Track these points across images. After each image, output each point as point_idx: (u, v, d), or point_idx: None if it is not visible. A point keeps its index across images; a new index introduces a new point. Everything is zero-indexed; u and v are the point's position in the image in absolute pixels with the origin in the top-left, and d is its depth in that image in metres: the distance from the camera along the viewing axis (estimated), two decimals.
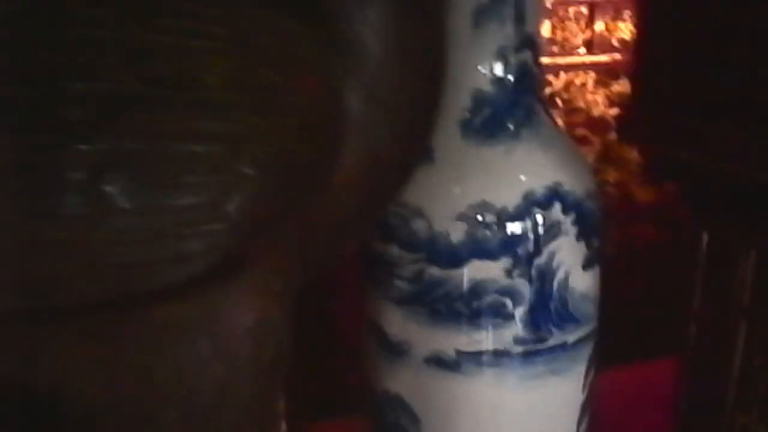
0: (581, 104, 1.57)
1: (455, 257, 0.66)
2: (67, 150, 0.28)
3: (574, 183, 0.67)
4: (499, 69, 0.65)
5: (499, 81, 0.65)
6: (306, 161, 0.32)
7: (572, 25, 1.55)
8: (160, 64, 0.29)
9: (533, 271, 0.67)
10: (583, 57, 1.55)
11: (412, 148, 0.38)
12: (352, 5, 0.33)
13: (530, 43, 0.66)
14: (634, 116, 1.05)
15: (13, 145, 0.28)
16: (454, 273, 0.66)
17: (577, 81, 1.59)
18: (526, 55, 0.66)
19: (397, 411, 0.73)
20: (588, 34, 1.56)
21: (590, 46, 1.56)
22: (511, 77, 0.65)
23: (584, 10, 1.54)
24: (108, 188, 0.28)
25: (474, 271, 0.66)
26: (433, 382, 0.70)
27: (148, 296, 0.29)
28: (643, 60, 0.90)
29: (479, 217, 0.64)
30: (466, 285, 0.67)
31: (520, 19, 0.65)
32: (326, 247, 0.43)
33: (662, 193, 1.18)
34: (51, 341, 0.30)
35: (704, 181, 0.82)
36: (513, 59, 0.65)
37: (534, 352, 0.69)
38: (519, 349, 0.68)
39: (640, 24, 1.21)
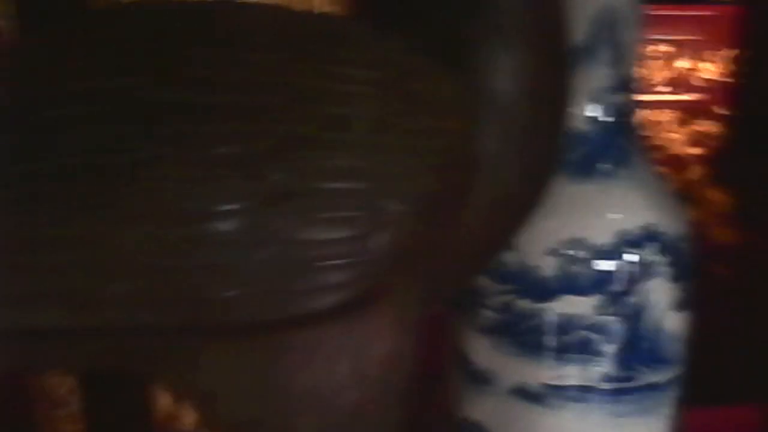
0: (659, 142, 1.57)
1: (545, 291, 0.67)
2: (237, 180, 0.31)
3: (669, 224, 0.68)
4: (594, 110, 0.66)
5: (594, 121, 0.66)
6: (445, 199, 0.35)
7: (654, 63, 1.56)
8: (322, 106, 0.32)
9: (625, 310, 0.67)
10: (663, 95, 1.56)
11: (539, 187, 0.40)
12: (489, 52, 0.35)
13: (626, 85, 0.67)
14: (726, 157, 1.05)
15: (200, 175, 0.31)
16: (543, 306, 0.68)
17: (656, 119, 1.59)
18: (623, 97, 0.67)
19: None
20: (669, 72, 1.57)
21: (671, 84, 1.56)
22: (606, 118, 0.67)
23: (666, 48, 1.54)
24: (268, 219, 0.31)
25: (564, 306, 0.67)
26: (517, 412, 0.71)
27: (295, 320, 0.31)
28: (739, 103, 0.90)
29: (571, 253, 0.66)
30: (555, 319, 0.68)
31: (616, 61, 0.66)
32: (452, 281, 0.45)
33: (744, 235, 1.17)
34: (208, 355, 0.33)
35: None
36: (609, 100, 0.67)
37: (621, 390, 0.69)
38: (606, 386, 0.69)
39: (737, 68, 1.21)
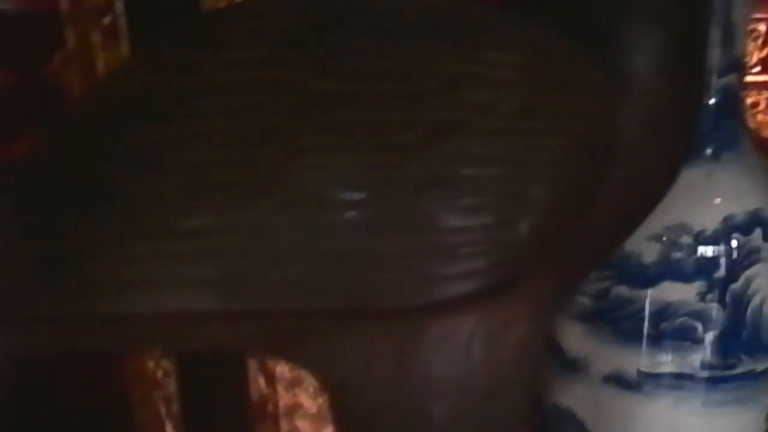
0: (751, 125, 1.51)
1: (646, 278, 0.66)
2: (398, 169, 0.31)
3: None
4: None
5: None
6: (588, 184, 0.35)
7: (748, 44, 1.49)
8: (469, 92, 0.32)
9: (728, 297, 0.66)
10: (756, 76, 1.49)
11: (675, 173, 0.39)
12: (631, 35, 0.35)
13: (736, 66, 0.65)
14: None
15: (353, 163, 0.31)
16: (642, 293, 0.67)
17: (749, 101, 1.53)
18: (731, 79, 0.65)
19: (568, 426, 0.74)
20: (764, 53, 1.50)
21: (764, 64, 1.49)
22: (714, 100, 0.65)
23: (762, 27, 1.48)
24: (427, 206, 0.31)
25: (665, 292, 0.66)
26: (611, 400, 0.70)
27: (435, 305, 0.32)
28: None
29: (675, 239, 0.65)
30: (654, 306, 0.67)
31: (727, 41, 0.64)
32: (581, 270, 0.45)
33: None
34: (351, 338, 0.34)
35: None
36: (717, 82, 0.65)
37: (720, 378, 0.68)
38: (705, 373, 0.68)
39: None
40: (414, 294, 0.32)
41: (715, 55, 0.64)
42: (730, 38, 0.64)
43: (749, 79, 1.56)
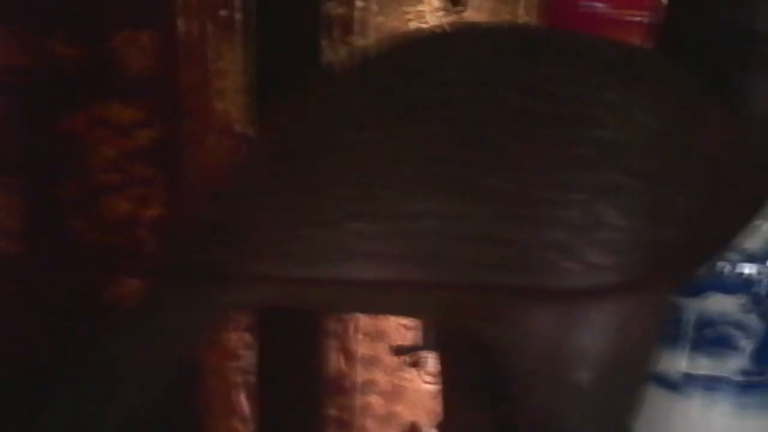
0: None
1: (695, 288, 0.74)
2: (578, 176, 0.38)
3: None
4: None
5: None
6: (714, 200, 0.42)
7: None
8: (635, 117, 0.39)
9: (766, 310, 0.74)
10: None
11: None
12: (751, 77, 0.42)
13: None
14: None
15: (543, 168, 0.38)
16: (690, 302, 0.74)
17: None
18: None
19: None
20: None
21: None
22: None
23: None
24: (599, 207, 0.38)
25: (711, 302, 0.74)
26: (653, 398, 0.77)
27: (588, 290, 0.39)
28: None
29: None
30: (701, 314, 0.74)
31: None
32: (690, 274, 0.52)
33: None
34: (517, 312, 0.41)
35: None
36: None
37: (755, 384, 0.76)
38: (741, 378, 0.75)
39: None
40: (572, 279, 0.39)
41: None
42: None
43: None
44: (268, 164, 0.43)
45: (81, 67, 1.34)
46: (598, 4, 1.54)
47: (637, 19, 1.45)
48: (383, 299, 0.44)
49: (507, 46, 0.42)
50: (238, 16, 0.72)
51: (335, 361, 0.86)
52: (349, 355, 0.85)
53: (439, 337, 0.57)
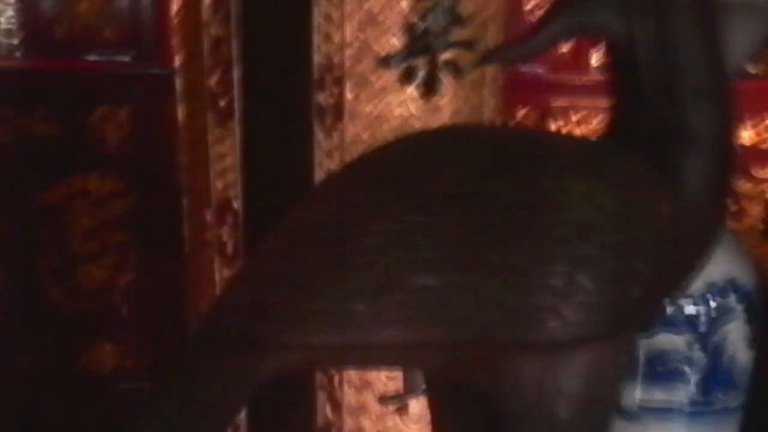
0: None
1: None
2: (556, 254, 0.48)
3: (746, 278, 0.86)
4: None
5: None
6: (667, 262, 0.52)
7: None
8: (599, 204, 0.49)
9: (709, 346, 0.85)
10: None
11: (709, 252, 0.58)
12: (689, 161, 0.53)
13: None
14: None
15: (528, 248, 0.48)
16: (644, 341, 0.85)
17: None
18: None
19: None
20: None
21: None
22: None
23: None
24: (579, 277, 0.48)
25: (660, 340, 0.85)
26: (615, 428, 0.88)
27: (568, 342, 0.49)
28: None
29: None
30: (652, 351, 0.86)
31: None
32: (651, 321, 0.63)
33: None
34: (508, 363, 0.50)
35: None
36: None
37: (702, 412, 0.87)
38: (690, 408, 0.87)
39: None
40: (556, 334, 0.49)
41: None
42: None
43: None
44: (299, 248, 0.52)
45: (60, 141, 1.41)
46: (539, 69, 1.69)
47: (577, 83, 1.60)
48: (402, 357, 0.53)
49: (495, 149, 0.53)
50: (236, 105, 0.81)
51: (323, 410, 0.93)
52: (336, 404, 0.93)
53: (429, 384, 0.66)
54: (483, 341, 0.48)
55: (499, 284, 0.47)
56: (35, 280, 1.47)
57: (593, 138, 0.61)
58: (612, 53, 0.57)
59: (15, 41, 1.27)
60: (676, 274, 0.54)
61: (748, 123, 1.59)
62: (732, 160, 0.57)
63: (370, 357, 0.54)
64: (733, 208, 1.44)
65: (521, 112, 1.35)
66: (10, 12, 1.26)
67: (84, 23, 1.29)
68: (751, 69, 1.64)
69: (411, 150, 0.55)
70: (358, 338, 0.48)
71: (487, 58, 0.66)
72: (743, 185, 1.60)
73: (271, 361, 0.51)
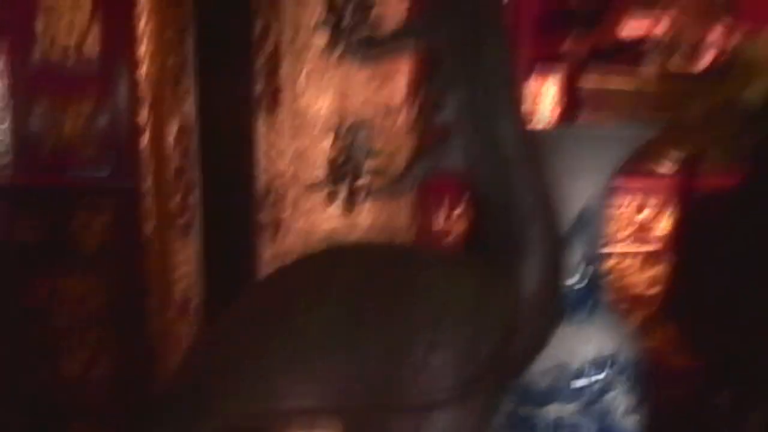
0: (624, 284, 2.00)
1: (541, 400, 1.02)
2: (424, 338, 0.65)
3: (628, 352, 1.02)
4: (574, 279, 1.03)
5: (574, 285, 1.03)
6: (507, 339, 0.69)
7: (618, 222, 2.01)
8: (446, 302, 0.67)
9: (596, 414, 1.02)
10: (626, 247, 1.98)
11: (549, 334, 0.75)
12: (525, 266, 0.72)
13: (596, 259, 1.04)
14: (670, 299, 1.42)
15: (403, 336, 0.66)
16: (539, 411, 1.02)
17: (622, 265, 2.02)
18: (593, 267, 1.04)
19: None
20: (631, 228, 2.01)
21: (634, 237, 1.99)
22: (585, 281, 1.03)
23: (628, 210, 1.99)
24: (433, 356, 0.66)
25: (555, 410, 1.01)
26: None
27: (432, 404, 0.65)
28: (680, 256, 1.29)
29: (560, 373, 1.01)
30: (548, 420, 1.02)
31: (590, 244, 1.03)
32: (506, 388, 0.80)
33: (689, 360, 1.51)
34: (384, 422, 0.67)
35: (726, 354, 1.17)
36: (586, 269, 1.03)
37: None
38: None
39: (677, 223, 1.60)
40: (425, 397, 0.65)
41: (581, 254, 1.03)
42: (592, 242, 1.03)
43: (621, 248, 2.03)
44: (228, 337, 0.69)
45: (42, 243, 1.58)
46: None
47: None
48: (307, 420, 0.71)
49: (378, 262, 0.72)
50: (194, 222, 1.00)
51: None
52: None
53: None
54: (369, 407, 0.66)
55: (375, 361, 0.65)
56: (15, 372, 1.62)
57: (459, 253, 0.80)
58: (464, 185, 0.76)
59: (5, 161, 1.46)
60: (517, 355, 0.72)
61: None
62: (561, 265, 0.76)
63: (288, 421, 0.71)
64: None
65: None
66: (1, 136, 1.46)
67: (68, 143, 1.48)
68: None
69: (314, 264, 0.73)
70: (274, 407, 0.65)
71: (377, 192, 0.86)
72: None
73: (207, 429, 0.67)
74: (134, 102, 1.07)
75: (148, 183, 1.07)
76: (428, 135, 0.74)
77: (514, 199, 0.71)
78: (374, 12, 0.89)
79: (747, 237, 1.20)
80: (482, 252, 0.73)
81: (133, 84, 1.07)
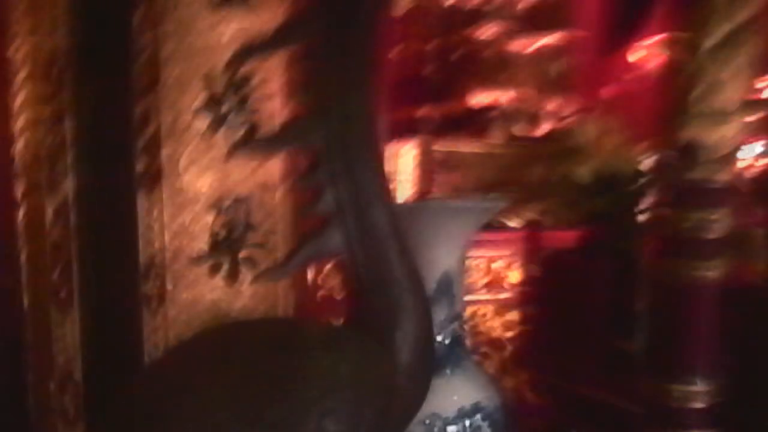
0: (482, 329, 2.17)
1: None
2: (312, 408, 0.71)
3: (490, 400, 1.12)
4: (439, 335, 1.12)
5: (440, 342, 1.13)
6: (386, 405, 0.76)
7: (474, 272, 2.18)
8: (326, 372, 0.74)
9: None
10: (483, 295, 2.16)
11: (424, 394, 0.82)
12: (397, 338, 0.80)
13: (457, 317, 1.15)
14: (523, 342, 1.56)
15: (291, 407, 0.71)
16: None
17: (480, 312, 2.18)
18: (456, 324, 1.14)
19: None
20: (486, 278, 2.19)
21: (488, 287, 2.16)
22: (449, 339, 1.13)
23: (483, 261, 2.17)
24: (325, 423, 0.71)
25: None
26: None
27: None
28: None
29: (433, 423, 1.09)
30: None
31: (451, 304, 1.13)
32: None
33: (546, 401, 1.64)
34: None
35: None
36: (448, 327, 1.13)
37: None
38: None
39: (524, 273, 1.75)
40: None
41: (444, 313, 1.12)
42: (453, 302, 1.13)
43: (478, 297, 2.20)
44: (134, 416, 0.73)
45: None
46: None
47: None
48: None
49: (271, 337, 0.78)
50: (74, 296, 1.01)
51: None
52: None
53: None
54: None
55: (274, 430, 0.71)
56: None
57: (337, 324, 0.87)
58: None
59: None
60: (398, 414, 0.80)
61: None
62: (431, 329, 0.85)
63: None
64: None
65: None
66: None
67: None
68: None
69: (211, 342, 0.78)
70: None
71: (258, 277, 0.92)
72: None
73: None
74: (9, 178, 1.07)
75: (24, 255, 1.07)
76: (309, 221, 0.81)
77: (389, 275, 0.80)
78: (252, 97, 0.96)
79: (584, 290, 1.36)
80: (362, 324, 0.81)
81: (8, 160, 1.07)
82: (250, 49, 0.86)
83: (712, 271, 0.88)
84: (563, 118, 2.52)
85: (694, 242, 0.87)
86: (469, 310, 2.21)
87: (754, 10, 0.77)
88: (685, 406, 0.91)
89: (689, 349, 0.89)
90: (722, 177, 0.85)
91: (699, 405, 0.91)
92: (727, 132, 0.82)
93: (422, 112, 2.51)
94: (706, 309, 0.89)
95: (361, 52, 0.77)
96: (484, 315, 2.22)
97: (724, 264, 0.90)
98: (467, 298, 2.21)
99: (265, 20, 0.94)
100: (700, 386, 0.91)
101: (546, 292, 1.71)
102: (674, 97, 0.84)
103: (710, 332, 0.90)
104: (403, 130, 2.47)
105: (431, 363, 0.88)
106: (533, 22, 2.45)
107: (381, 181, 0.82)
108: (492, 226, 2.20)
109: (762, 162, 1.66)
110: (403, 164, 2.38)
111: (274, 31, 0.80)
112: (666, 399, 0.91)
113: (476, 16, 2.57)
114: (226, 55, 0.93)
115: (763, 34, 0.78)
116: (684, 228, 0.87)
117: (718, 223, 0.87)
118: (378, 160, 0.82)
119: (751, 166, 1.60)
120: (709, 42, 0.77)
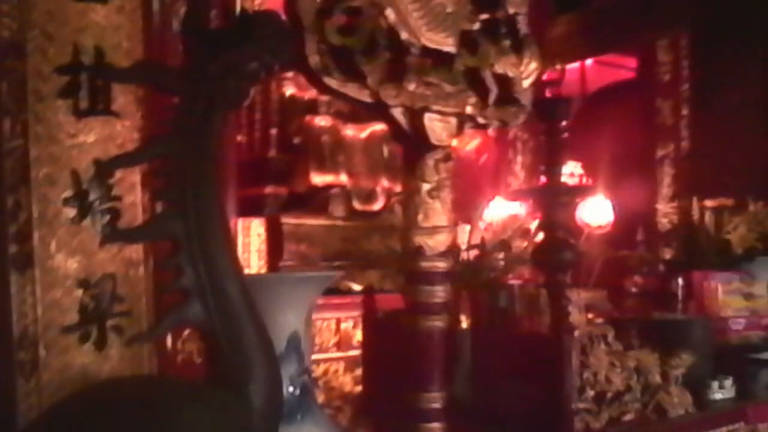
0: (335, 384, 2.35)
1: None
2: None
3: None
4: (291, 387, 1.27)
5: (290, 394, 1.27)
6: None
7: (325, 332, 2.38)
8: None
9: None
10: (334, 353, 2.36)
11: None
12: (250, 394, 0.96)
13: (306, 371, 1.30)
14: (367, 396, 1.72)
15: None
16: None
17: (332, 369, 2.37)
18: (305, 378, 1.30)
19: None
20: (336, 337, 2.39)
21: (338, 345, 2.37)
22: (298, 390, 1.28)
23: (333, 322, 2.38)
24: None
25: None
26: None
27: None
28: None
29: None
30: None
31: (299, 360, 1.29)
32: None
33: None
34: None
35: None
36: (298, 379, 1.29)
37: None
38: None
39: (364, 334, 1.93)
40: None
41: (293, 368, 1.28)
42: (301, 358, 1.29)
43: (329, 355, 2.39)
44: None
45: None
46: None
47: None
48: None
49: (142, 394, 0.90)
50: None
51: None
52: None
53: None
54: None
55: None
56: None
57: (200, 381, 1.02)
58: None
59: None
60: None
61: None
62: (279, 381, 1.01)
63: None
64: None
65: None
66: None
67: None
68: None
69: (82, 401, 0.90)
70: None
71: (129, 341, 1.06)
72: None
73: None
74: None
75: None
76: (171, 296, 0.96)
77: (242, 338, 0.96)
78: (115, 190, 1.11)
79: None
80: (220, 379, 0.96)
81: None
82: (117, 161, 1.02)
83: (438, 322, 1.41)
84: (395, 194, 2.82)
85: (425, 304, 1.40)
86: (321, 368, 2.39)
87: (449, 172, 1.39)
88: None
89: (429, 370, 1.40)
90: (440, 265, 1.40)
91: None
92: (439, 239, 1.39)
93: (269, 190, 2.71)
94: (437, 345, 1.41)
95: (211, 154, 0.95)
96: (336, 371, 2.40)
97: (446, 318, 1.44)
98: (320, 356, 2.40)
99: (126, 126, 1.09)
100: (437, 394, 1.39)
101: (383, 348, 1.89)
102: (407, 219, 1.40)
103: (441, 360, 1.41)
104: (253, 207, 2.65)
105: (280, 407, 1.04)
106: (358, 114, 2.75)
107: (233, 260, 0.97)
108: (339, 290, 2.40)
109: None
110: (254, 237, 2.55)
111: (138, 146, 0.97)
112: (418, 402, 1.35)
113: (314, 106, 2.83)
114: (92, 155, 1.08)
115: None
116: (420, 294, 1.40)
117: (441, 292, 1.41)
118: (230, 243, 0.98)
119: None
120: (426, 187, 1.38)
